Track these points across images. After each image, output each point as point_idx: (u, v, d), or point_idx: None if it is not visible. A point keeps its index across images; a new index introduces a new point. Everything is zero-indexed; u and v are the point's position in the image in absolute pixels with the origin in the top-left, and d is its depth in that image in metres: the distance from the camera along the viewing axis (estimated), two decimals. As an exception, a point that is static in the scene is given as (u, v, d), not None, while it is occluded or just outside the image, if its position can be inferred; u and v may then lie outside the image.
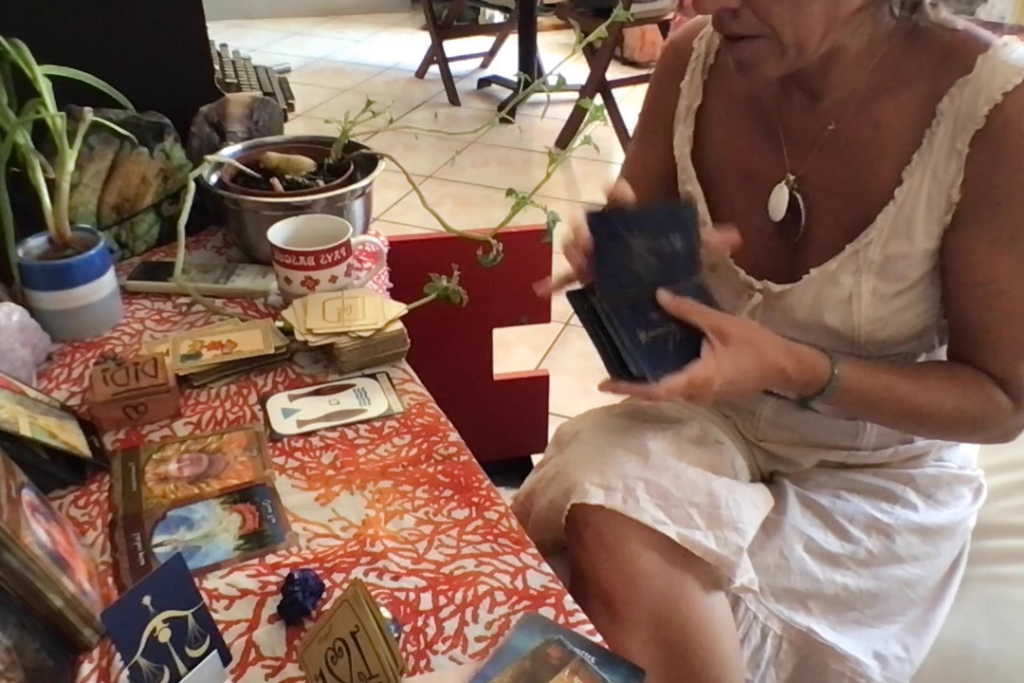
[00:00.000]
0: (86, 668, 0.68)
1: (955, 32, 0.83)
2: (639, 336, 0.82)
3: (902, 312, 0.90)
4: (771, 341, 0.85)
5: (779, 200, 0.92)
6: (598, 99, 3.31)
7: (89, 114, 1.06)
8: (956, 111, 0.82)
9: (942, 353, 0.96)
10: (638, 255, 0.83)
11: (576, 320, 2.64)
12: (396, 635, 0.70)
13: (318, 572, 0.75)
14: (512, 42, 4.03)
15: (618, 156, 3.33)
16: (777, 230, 0.94)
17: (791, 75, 0.88)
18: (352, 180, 1.20)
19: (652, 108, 1.06)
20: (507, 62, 4.29)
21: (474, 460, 0.90)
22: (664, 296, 0.84)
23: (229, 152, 1.24)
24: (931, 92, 0.84)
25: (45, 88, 1.05)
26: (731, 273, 0.96)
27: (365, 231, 1.27)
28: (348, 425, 0.93)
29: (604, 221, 0.82)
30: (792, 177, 0.92)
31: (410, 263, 1.22)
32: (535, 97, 1.19)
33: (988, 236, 0.83)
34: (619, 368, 0.82)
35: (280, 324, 1.04)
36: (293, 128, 1.43)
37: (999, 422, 0.88)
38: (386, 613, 0.71)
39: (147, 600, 0.61)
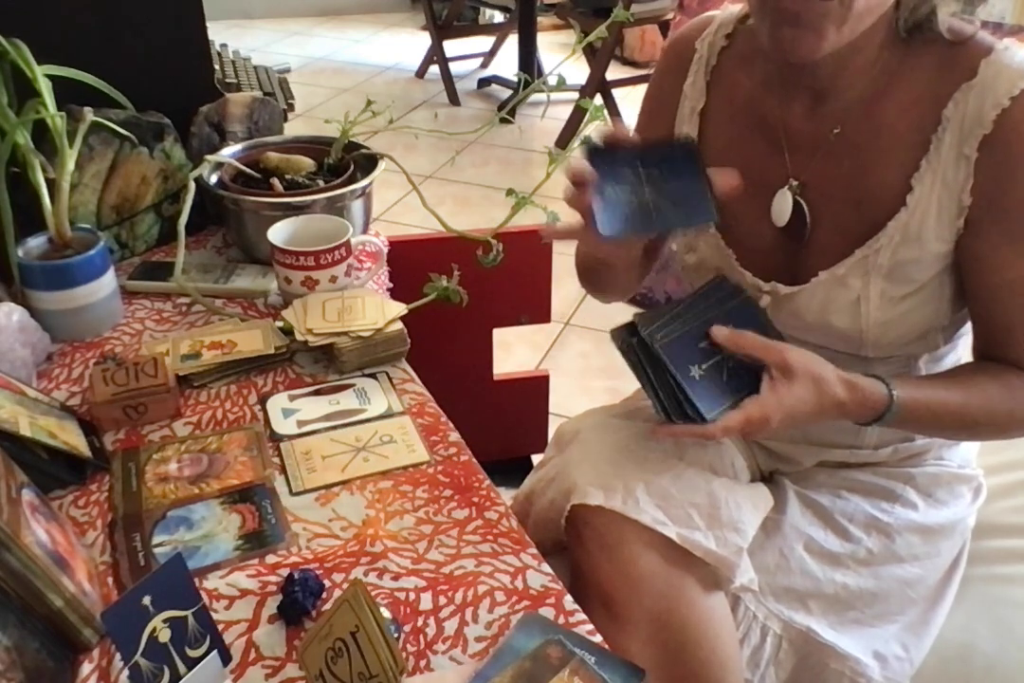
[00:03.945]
0: (86, 668, 0.68)
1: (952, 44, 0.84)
2: (692, 372, 0.79)
3: (910, 314, 0.90)
4: (830, 374, 0.83)
5: (783, 205, 0.92)
6: (598, 99, 3.31)
7: (89, 114, 1.06)
8: (962, 117, 0.82)
9: (945, 353, 0.96)
10: (648, 193, 0.76)
11: (576, 320, 2.64)
12: (396, 635, 0.70)
13: (318, 572, 0.75)
14: (512, 42, 4.03)
15: (618, 156, 3.32)
16: (780, 235, 0.94)
17: (800, 75, 0.88)
18: (352, 180, 1.20)
19: (652, 109, 1.06)
20: (507, 62, 4.28)
21: (474, 460, 0.90)
22: (721, 333, 0.82)
23: (229, 152, 1.24)
24: (934, 97, 0.84)
25: (45, 88, 1.05)
26: (737, 277, 0.96)
27: (365, 231, 1.27)
28: (348, 425, 0.94)
29: (607, 156, 0.75)
30: (795, 182, 0.92)
31: (410, 263, 1.22)
32: (535, 97, 1.19)
33: (1009, 238, 0.84)
34: (674, 410, 0.80)
35: (280, 324, 1.04)
36: (293, 128, 1.43)
37: None
38: (386, 613, 0.71)
39: (147, 600, 0.61)
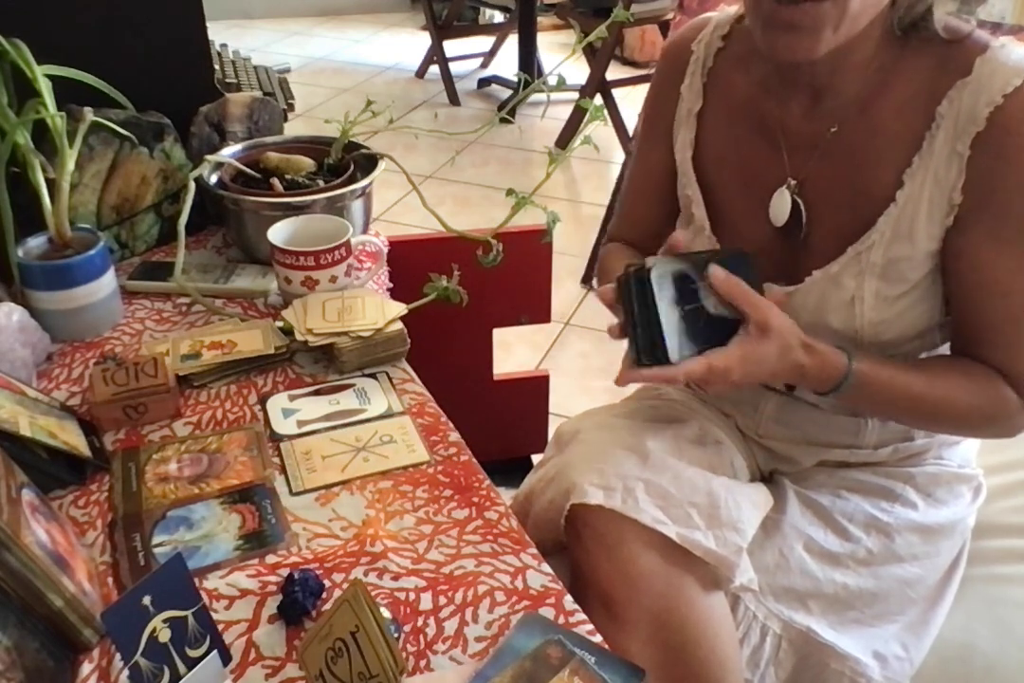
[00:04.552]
0: (86, 668, 0.68)
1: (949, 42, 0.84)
2: (674, 310, 0.80)
3: (905, 313, 0.90)
4: (796, 337, 0.83)
5: (781, 205, 0.92)
6: (598, 99, 3.30)
7: (89, 114, 1.06)
8: (956, 114, 0.82)
9: (943, 350, 0.96)
10: (703, 307, 0.82)
11: (576, 320, 2.64)
12: (396, 635, 0.70)
13: (318, 572, 0.75)
14: (512, 42, 4.03)
15: (618, 156, 3.32)
16: (778, 234, 0.94)
17: (797, 74, 0.88)
18: (352, 180, 1.20)
19: (652, 112, 1.06)
20: (507, 62, 4.29)
21: (474, 460, 0.90)
22: (719, 273, 0.81)
23: (229, 152, 1.24)
24: (929, 95, 0.84)
25: (45, 88, 1.05)
26: None
27: (365, 231, 1.27)
28: (348, 425, 0.94)
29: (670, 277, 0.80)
30: (793, 182, 0.92)
31: (410, 263, 1.22)
32: (535, 97, 1.19)
33: (992, 237, 0.83)
34: (645, 349, 0.80)
35: (280, 324, 1.04)
36: (293, 128, 1.43)
37: (1008, 417, 0.89)
38: (386, 613, 0.71)
39: (147, 600, 0.61)
